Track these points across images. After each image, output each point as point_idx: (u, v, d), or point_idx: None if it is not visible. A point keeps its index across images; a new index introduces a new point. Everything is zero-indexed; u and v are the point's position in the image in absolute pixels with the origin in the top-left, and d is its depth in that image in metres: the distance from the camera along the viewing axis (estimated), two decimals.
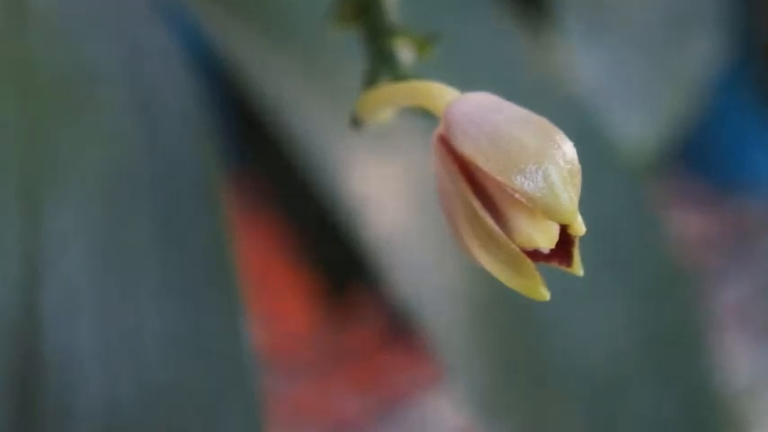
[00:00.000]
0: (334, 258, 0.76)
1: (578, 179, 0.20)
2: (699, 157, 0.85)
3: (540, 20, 0.53)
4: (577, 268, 0.21)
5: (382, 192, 0.43)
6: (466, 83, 0.23)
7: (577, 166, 0.20)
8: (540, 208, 0.20)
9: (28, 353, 0.31)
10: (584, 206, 0.20)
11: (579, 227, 0.20)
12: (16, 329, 0.31)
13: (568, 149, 0.20)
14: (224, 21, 0.44)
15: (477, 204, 0.21)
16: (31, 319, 0.31)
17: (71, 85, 0.35)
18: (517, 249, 0.20)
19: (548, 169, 0.20)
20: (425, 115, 0.23)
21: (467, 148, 0.21)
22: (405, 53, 0.27)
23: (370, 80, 0.27)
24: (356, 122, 0.26)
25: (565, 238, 0.21)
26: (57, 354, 0.31)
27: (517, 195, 0.20)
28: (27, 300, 0.31)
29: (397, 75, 0.27)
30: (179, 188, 0.34)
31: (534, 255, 0.20)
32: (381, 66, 0.27)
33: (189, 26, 0.45)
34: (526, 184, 0.20)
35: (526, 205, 0.20)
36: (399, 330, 0.77)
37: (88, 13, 0.36)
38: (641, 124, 0.57)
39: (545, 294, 0.21)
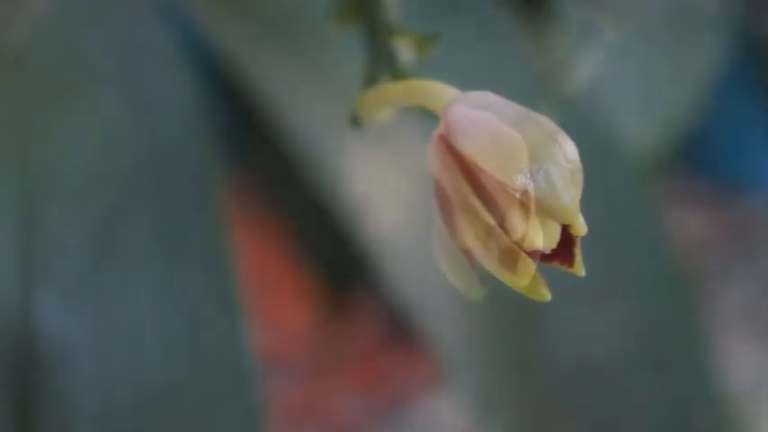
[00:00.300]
0: (335, 258, 0.76)
1: (580, 179, 0.20)
2: (699, 156, 0.85)
3: (540, 20, 0.53)
4: (579, 268, 0.21)
5: (382, 192, 0.43)
6: (466, 83, 0.23)
7: (579, 165, 0.20)
8: (541, 208, 0.20)
9: (27, 353, 0.31)
10: (586, 206, 0.20)
11: (581, 227, 0.20)
12: (15, 330, 0.31)
13: (569, 149, 0.20)
14: (223, 21, 0.44)
15: (477, 204, 0.20)
16: (29, 319, 0.31)
17: (70, 85, 0.35)
18: (518, 249, 0.20)
19: (549, 169, 0.20)
20: (425, 115, 0.23)
21: (467, 148, 0.21)
22: (405, 53, 0.27)
23: (370, 80, 0.27)
24: (356, 122, 0.26)
25: (566, 238, 0.20)
26: (55, 354, 0.31)
27: (518, 195, 0.20)
28: (25, 300, 0.31)
29: (397, 74, 0.27)
30: (178, 188, 0.34)
31: (535, 255, 0.20)
32: (381, 65, 0.27)
33: (188, 26, 0.45)
34: (527, 183, 0.20)
35: (527, 205, 0.20)
36: (400, 331, 0.77)
37: (88, 13, 0.36)
38: (641, 124, 0.57)
39: (546, 294, 0.20)
